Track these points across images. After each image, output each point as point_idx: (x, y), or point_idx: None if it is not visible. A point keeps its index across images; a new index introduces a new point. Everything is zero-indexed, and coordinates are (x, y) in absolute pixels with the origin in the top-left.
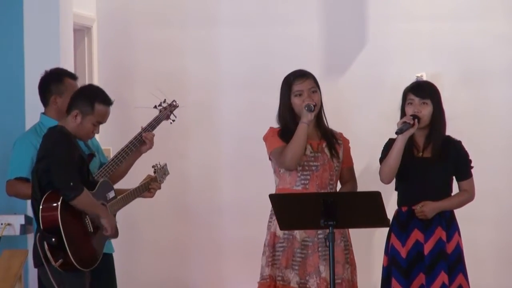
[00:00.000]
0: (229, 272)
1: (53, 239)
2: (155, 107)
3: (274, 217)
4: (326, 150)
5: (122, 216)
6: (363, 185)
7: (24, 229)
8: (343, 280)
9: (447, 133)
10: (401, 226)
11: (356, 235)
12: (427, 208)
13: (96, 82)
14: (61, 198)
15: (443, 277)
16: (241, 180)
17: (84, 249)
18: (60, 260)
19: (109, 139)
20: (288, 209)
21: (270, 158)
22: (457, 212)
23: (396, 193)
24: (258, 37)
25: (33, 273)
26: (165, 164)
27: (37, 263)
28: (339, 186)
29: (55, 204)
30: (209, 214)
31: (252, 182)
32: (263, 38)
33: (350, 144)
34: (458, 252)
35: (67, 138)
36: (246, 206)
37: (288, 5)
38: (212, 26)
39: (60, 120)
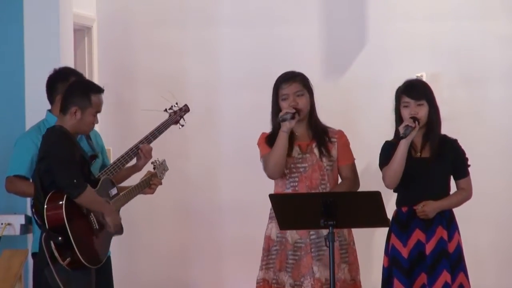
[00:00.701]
0: (229, 272)
1: (60, 238)
2: (165, 110)
3: (270, 221)
4: (315, 150)
5: (122, 217)
6: (363, 185)
7: (24, 229)
8: (338, 280)
9: (447, 133)
10: (401, 227)
11: (356, 235)
12: (428, 208)
13: (96, 82)
14: (65, 196)
15: (445, 276)
16: (241, 181)
17: (90, 246)
18: (68, 259)
19: (109, 139)
20: (288, 209)
21: None
22: (457, 213)
23: (396, 193)
24: (258, 37)
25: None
26: (164, 160)
27: (43, 264)
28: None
29: (59, 203)
30: (209, 214)
31: (252, 183)
32: (263, 38)
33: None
34: (459, 251)
35: (67, 137)
36: (246, 206)
37: (288, 5)
38: (212, 26)
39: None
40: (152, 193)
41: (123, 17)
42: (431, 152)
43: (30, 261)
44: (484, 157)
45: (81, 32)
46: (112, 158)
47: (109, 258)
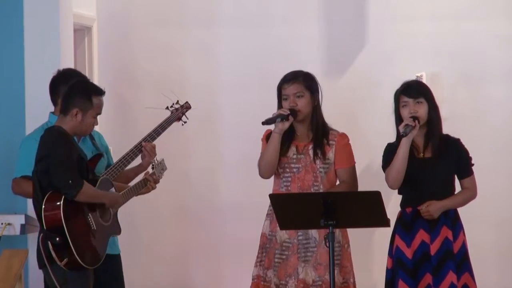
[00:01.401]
0: (229, 272)
1: (57, 239)
2: (167, 108)
3: (267, 218)
4: (310, 152)
5: (122, 217)
6: (363, 185)
7: (24, 229)
8: (324, 282)
9: (448, 133)
10: (405, 228)
11: (356, 235)
12: (433, 208)
13: (96, 82)
14: (63, 197)
15: (451, 277)
16: (241, 181)
17: (88, 247)
18: (65, 259)
19: (109, 139)
20: (288, 209)
21: None
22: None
23: (396, 193)
24: (258, 37)
25: (33, 273)
26: (163, 160)
27: (41, 264)
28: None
29: (57, 203)
30: (210, 215)
31: (253, 183)
32: (263, 38)
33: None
34: (464, 251)
35: (65, 138)
36: (247, 207)
37: (288, 5)
38: (212, 26)
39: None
40: (147, 192)
41: (123, 17)
42: (433, 152)
43: (30, 261)
44: (484, 157)
45: (81, 32)
46: (113, 158)
47: (119, 258)
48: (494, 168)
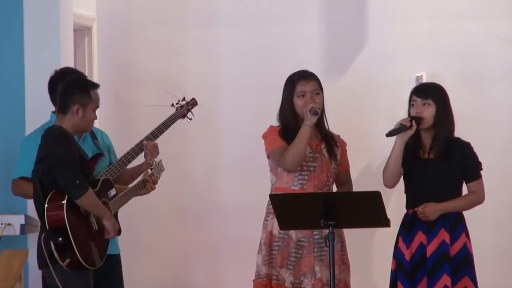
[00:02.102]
0: (230, 272)
1: (60, 239)
2: (172, 105)
3: (270, 216)
4: (325, 152)
5: (123, 217)
6: (363, 185)
7: (24, 229)
8: (339, 281)
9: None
10: (406, 229)
11: (356, 235)
12: (429, 210)
13: (96, 82)
14: (66, 197)
15: (445, 280)
16: (241, 181)
17: (90, 247)
18: (67, 260)
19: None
20: (288, 209)
21: (268, 157)
22: None
23: (396, 193)
24: (258, 37)
25: (33, 273)
26: (160, 160)
27: (42, 264)
28: (334, 189)
29: (60, 203)
30: (210, 215)
31: (253, 183)
32: (263, 38)
33: (349, 144)
34: (464, 254)
35: (67, 138)
36: (247, 206)
37: (288, 5)
38: (212, 26)
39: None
40: (147, 193)
41: (123, 17)
42: (436, 153)
43: (30, 261)
44: (484, 157)
45: (81, 32)
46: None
47: (118, 258)
48: (494, 168)
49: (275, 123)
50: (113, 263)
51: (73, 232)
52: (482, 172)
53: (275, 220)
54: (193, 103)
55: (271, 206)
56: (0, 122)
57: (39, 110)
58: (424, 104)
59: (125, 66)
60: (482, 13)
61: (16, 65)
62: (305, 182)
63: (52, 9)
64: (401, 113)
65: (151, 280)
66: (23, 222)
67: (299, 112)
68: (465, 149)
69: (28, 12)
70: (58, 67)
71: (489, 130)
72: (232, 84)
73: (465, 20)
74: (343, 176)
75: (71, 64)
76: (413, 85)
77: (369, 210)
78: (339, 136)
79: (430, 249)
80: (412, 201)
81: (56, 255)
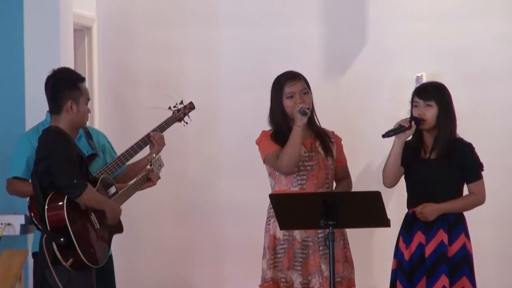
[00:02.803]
0: (230, 271)
1: (62, 239)
2: (170, 108)
3: (272, 220)
4: (320, 149)
5: (123, 215)
6: (363, 185)
7: (24, 229)
8: (343, 278)
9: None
10: (406, 229)
11: (356, 235)
12: (427, 210)
13: (96, 82)
14: (66, 197)
15: (443, 280)
16: (241, 180)
17: (93, 246)
18: (70, 260)
19: (109, 138)
20: (288, 209)
21: (264, 162)
22: None
23: (396, 193)
24: (258, 37)
25: (33, 273)
26: (159, 156)
27: (44, 266)
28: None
29: (60, 204)
30: (210, 213)
31: (253, 182)
32: (263, 38)
33: (350, 144)
34: (462, 254)
35: (64, 138)
36: (247, 206)
37: (288, 5)
38: (212, 26)
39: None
40: (152, 185)
41: (123, 17)
42: (438, 154)
43: (30, 261)
44: (484, 157)
45: (81, 32)
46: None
47: (111, 257)
48: (494, 168)
49: None
50: (106, 263)
51: (74, 232)
52: (482, 172)
53: (277, 223)
54: (191, 107)
55: (272, 210)
56: (0, 122)
57: (39, 110)
58: (426, 105)
59: (125, 66)
60: (482, 13)
61: (16, 65)
62: (304, 182)
63: (52, 9)
64: (402, 113)
65: (151, 279)
66: (23, 222)
67: (289, 114)
68: (466, 150)
69: (28, 12)
70: (56, 68)
71: (489, 129)
72: (231, 84)
73: (465, 20)
74: (341, 171)
75: (71, 64)
76: (413, 85)
77: (369, 210)
78: (333, 132)
79: (428, 250)
80: (412, 201)
81: (58, 255)
